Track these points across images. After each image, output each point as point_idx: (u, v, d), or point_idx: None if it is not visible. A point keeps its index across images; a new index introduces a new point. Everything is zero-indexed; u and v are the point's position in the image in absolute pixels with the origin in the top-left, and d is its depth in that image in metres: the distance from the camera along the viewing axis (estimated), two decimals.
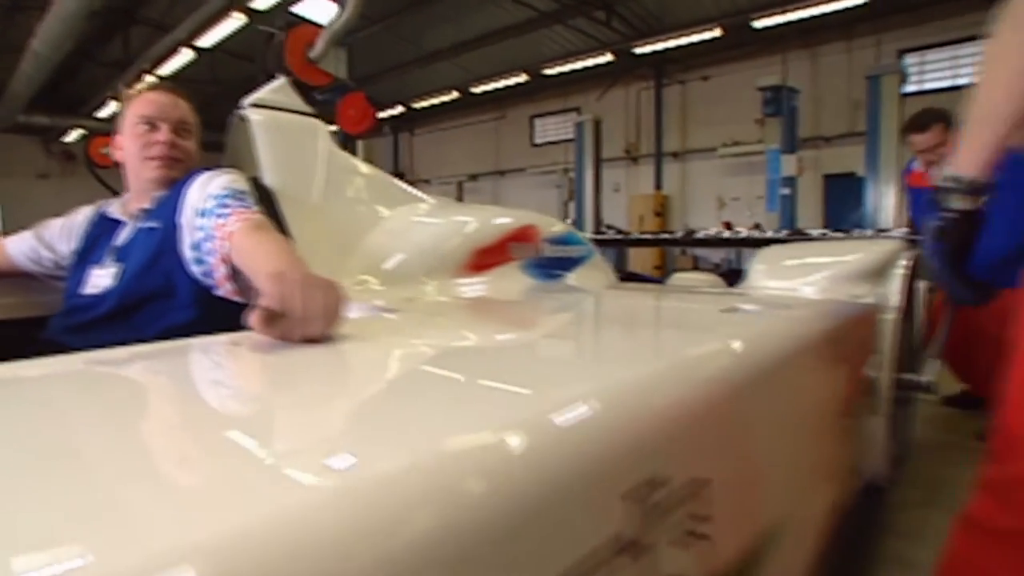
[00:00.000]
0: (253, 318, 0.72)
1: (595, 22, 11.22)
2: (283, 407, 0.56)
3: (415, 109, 16.48)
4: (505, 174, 16.83)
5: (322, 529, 0.29)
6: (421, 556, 0.32)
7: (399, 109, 16.43)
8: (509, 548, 0.38)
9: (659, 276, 6.93)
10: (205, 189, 1.24)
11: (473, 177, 17.40)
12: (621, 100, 13.98)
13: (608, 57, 11.57)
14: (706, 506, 0.58)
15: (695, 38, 10.38)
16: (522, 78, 13.13)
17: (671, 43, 10.78)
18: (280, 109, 1.67)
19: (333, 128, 7.30)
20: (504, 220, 1.79)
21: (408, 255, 1.63)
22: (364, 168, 1.87)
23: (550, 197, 14.18)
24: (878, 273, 1.73)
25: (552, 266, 1.87)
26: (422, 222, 1.75)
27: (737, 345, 0.74)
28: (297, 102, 1.73)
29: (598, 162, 9.08)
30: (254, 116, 1.60)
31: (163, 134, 1.31)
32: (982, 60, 0.84)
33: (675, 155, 13.29)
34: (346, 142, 7.37)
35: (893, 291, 1.71)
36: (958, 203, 0.95)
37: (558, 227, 1.97)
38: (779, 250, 1.99)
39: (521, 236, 1.80)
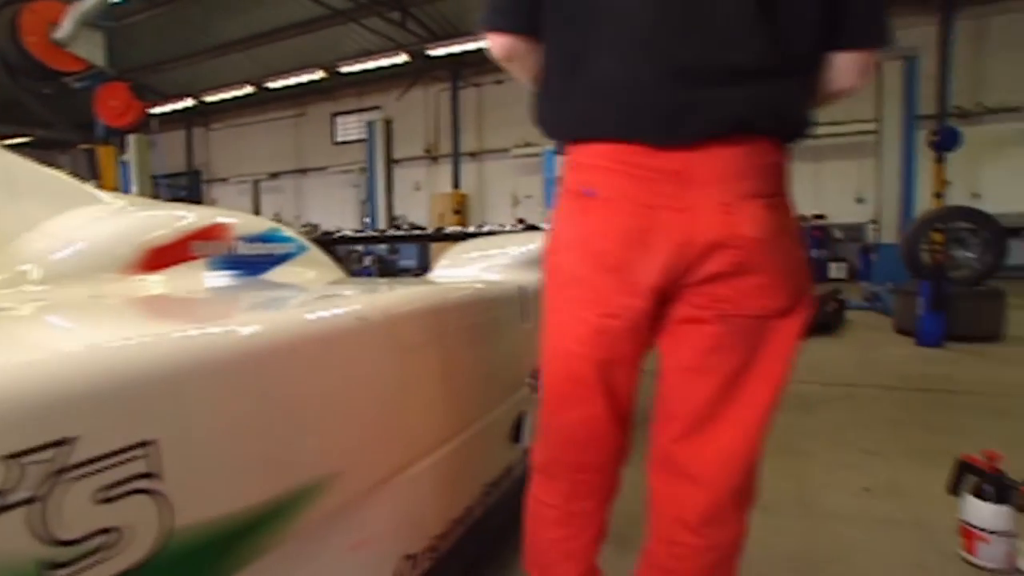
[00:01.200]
0: None
1: (391, 23, 11.26)
2: None
3: (207, 103, 15.42)
4: (307, 172, 16.30)
5: None
6: None
7: (189, 102, 15.29)
8: None
9: None
10: None
11: (274, 175, 16.64)
12: (420, 100, 14.13)
13: (404, 58, 11.64)
14: (155, 464, 0.66)
15: (482, 44, 10.78)
16: (319, 75, 12.79)
17: (464, 47, 11.11)
18: None
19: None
20: (186, 219, 1.79)
21: (71, 254, 1.57)
22: (31, 167, 1.77)
23: (351, 195, 13.98)
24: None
25: (247, 263, 1.90)
26: (94, 222, 1.69)
27: (249, 322, 0.85)
28: None
29: (389, 161, 9.12)
30: None
31: None
32: None
33: (473, 155, 13.70)
34: (109, 136, 6.71)
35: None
36: None
37: (258, 225, 2.00)
38: (470, 243, 2.20)
39: (206, 235, 1.80)
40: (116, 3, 11.40)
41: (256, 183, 15.47)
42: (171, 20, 12.32)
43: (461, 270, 1.86)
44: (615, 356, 0.96)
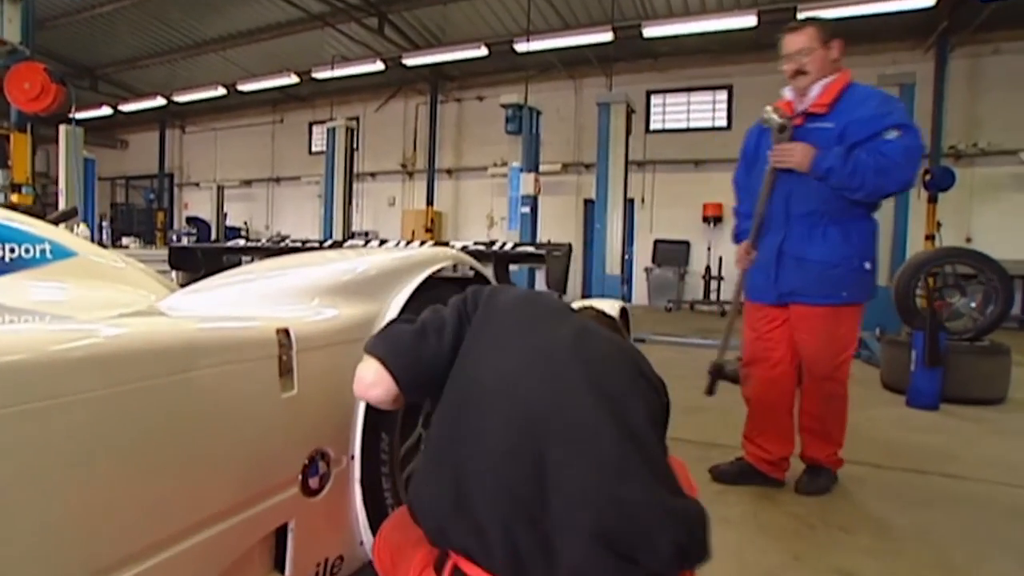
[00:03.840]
0: None
1: (368, 30, 10.74)
2: None
3: (181, 104, 14.75)
4: (280, 181, 15.71)
5: None
6: None
7: (160, 101, 14.60)
8: None
9: None
10: None
11: (247, 183, 16.01)
12: (400, 113, 13.62)
13: (380, 66, 11.10)
14: None
15: (459, 55, 10.31)
16: (293, 79, 12.22)
17: (441, 57, 10.62)
18: None
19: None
20: None
21: None
22: None
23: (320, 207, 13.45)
24: (367, 285, 1.34)
25: None
26: None
27: None
28: None
29: (349, 172, 8.49)
30: None
31: None
32: None
33: (449, 172, 13.16)
34: (23, 121, 5.97)
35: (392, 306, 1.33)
36: None
37: None
38: (263, 263, 1.58)
39: None
40: None
41: (221, 189, 14.78)
42: (147, 15, 11.77)
43: (208, 295, 1.24)
44: None
